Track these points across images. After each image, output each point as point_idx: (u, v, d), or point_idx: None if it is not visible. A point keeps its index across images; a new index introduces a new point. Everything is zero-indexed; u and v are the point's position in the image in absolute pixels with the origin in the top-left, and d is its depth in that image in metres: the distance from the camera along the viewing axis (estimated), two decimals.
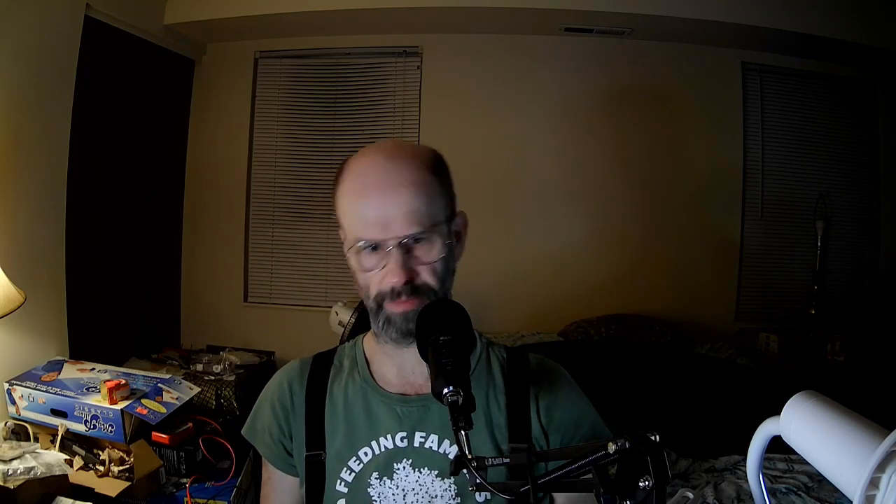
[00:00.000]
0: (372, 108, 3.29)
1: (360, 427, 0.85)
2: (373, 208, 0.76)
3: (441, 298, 0.78)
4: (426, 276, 0.78)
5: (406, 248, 0.76)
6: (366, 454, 0.84)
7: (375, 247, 0.77)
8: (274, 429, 0.89)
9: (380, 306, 0.79)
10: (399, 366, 0.86)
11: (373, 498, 0.83)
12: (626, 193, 3.23)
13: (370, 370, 0.89)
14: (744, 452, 0.75)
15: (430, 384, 0.66)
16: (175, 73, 3.22)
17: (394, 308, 0.78)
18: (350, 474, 0.84)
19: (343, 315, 2.43)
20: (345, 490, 0.84)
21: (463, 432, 0.61)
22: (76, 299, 2.06)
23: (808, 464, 0.51)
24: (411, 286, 0.77)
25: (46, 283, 1.92)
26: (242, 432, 0.94)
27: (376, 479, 0.83)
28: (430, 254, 0.78)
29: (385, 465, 0.83)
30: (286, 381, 0.91)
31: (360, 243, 0.77)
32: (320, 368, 0.91)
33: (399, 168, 0.77)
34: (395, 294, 0.77)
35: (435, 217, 0.78)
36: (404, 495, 0.82)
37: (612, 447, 0.55)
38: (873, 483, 0.42)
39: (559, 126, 3.21)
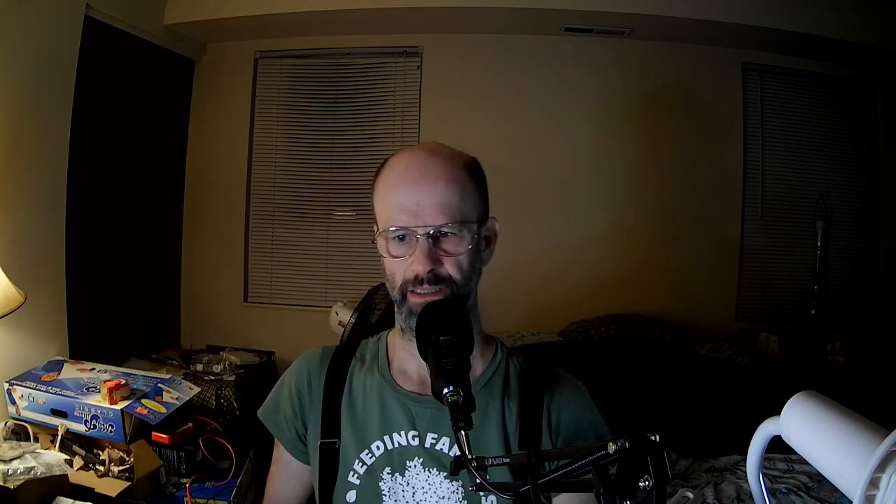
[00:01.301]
0: (372, 108, 3.29)
1: (374, 421, 0.86)
2: (406, 196, 0.78)
3: (441, 299, 0.78)
4: (450, 268, 0.79)
5: (433, 239, 0.78)
6: (378, 448, 0.85)
7: (404, 237, 0.79)
8: (288, 412, 0.91)
9: (404, 297, 0.81)
10: (420, 361, 0.87)
11: (383, 492, 0.84)
12: (626, 193, 3.23)
13: (389, 366, 0.90)
14: (744, 452, 0.75)
15: None
16: (175, 73, 3.22)
17: (416, 299, 0.79)
18: (362, 467, 0.85)
19: (343, 315, 2.43)
20: (356, 482, 0.85)
21: (463, 432, 0.61)
22: (76, 299, 2.06)
23: (808, 464, 0.51)
24: (434, 275, 0.78)
25: (46, 283, 1.91)
26: (258, 413, 0.96)
27: (388, 474, 0.84)
28: (458, 248, 0.79)
29: (398, 462, 0.84)
30: (306, 367, 0.93)
31: (391, 229, 0.79)
32: (342, 358, 0.93)
33: (437, 163, 0.80)
34: (417, 281, 0.78)
35: (465, 214, 0.80)
36: (413, 493, 0.83)
37: (612, 447, 0.55)
38: (873, 483, 0.42)
39: (559, 126, 3.21)
